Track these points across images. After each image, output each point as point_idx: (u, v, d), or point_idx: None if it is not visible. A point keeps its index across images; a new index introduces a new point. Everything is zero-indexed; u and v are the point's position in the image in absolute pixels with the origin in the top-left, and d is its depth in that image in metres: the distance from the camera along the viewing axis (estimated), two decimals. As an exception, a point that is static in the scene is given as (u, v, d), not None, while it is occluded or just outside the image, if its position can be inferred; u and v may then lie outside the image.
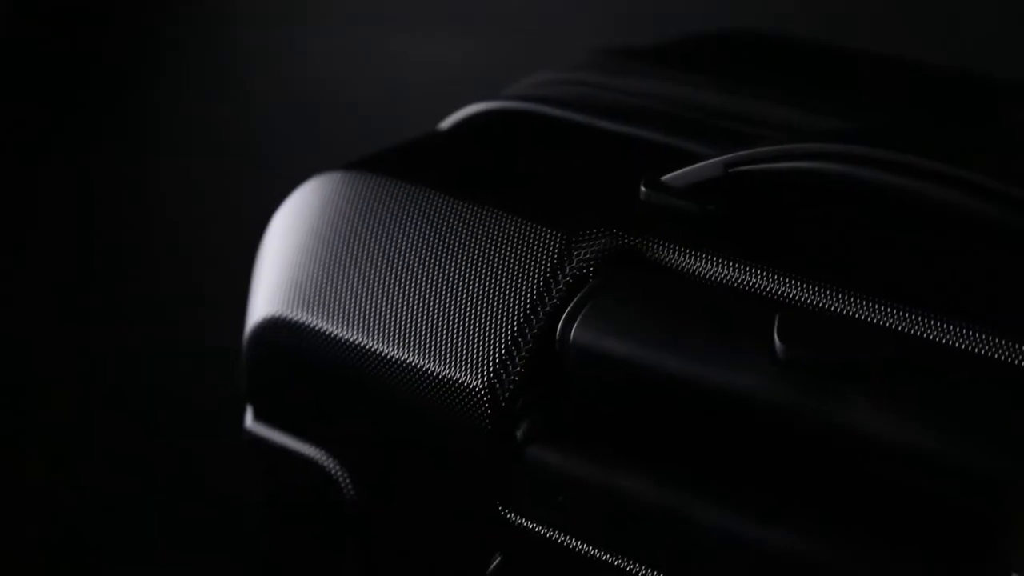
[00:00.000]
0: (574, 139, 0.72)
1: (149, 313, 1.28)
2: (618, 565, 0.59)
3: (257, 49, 1.34)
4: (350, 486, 0.69)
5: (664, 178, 0.64)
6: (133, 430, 1.22)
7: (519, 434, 0.61)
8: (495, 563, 0.64)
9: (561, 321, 0.60)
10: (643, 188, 0.64)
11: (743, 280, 0.60)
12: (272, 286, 0.70)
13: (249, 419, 0.72)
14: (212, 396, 1.19)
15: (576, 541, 0.60)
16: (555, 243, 0.62)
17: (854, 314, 0.57)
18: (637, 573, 0.58)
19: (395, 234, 0.66)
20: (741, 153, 0.62)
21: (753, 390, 0.54)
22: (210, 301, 1.25)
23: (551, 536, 0.61)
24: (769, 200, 0.63)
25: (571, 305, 0.60)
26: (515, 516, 0.62)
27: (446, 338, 0.63)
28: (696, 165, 0.63)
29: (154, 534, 1.16)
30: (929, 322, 0.55)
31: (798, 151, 0.61)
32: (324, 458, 0.69)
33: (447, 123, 0.78)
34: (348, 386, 0.67)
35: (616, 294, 0.59)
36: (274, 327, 0.69)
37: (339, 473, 0.69)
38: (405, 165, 0.70)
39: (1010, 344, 0.53)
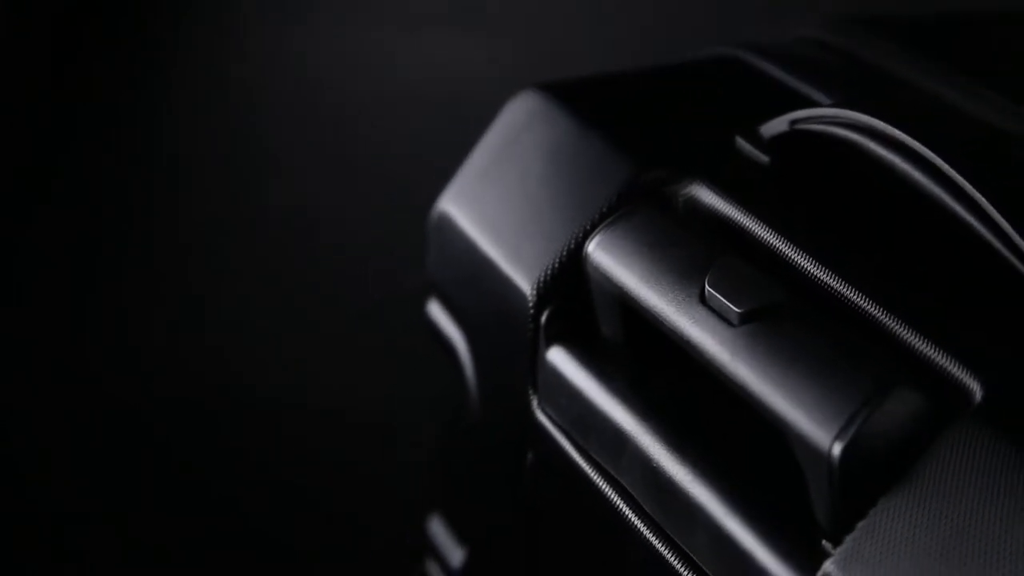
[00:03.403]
0: (752, 89, 0.75)
1: (149, 313, 1.30)
2: (580, 467, 0.63)
3: (259, 49, 1.33)
4: (472, 372, 0.76)
5: (758, 129, 0.67)
6: (132, 430, 1.25)
7: (546, 337, 0.66)
8: (528, 460, 0.69)
9: (588, 240, 0.64)
10: (737, 137, 0.67)
11: (744, 228, 0.61)
12: (451, 183, 0.77)
13: (428, 302, 0.80)
14: (211, 396, 1.24)
15: (566, 441, 0.65)
16: (624, 172, 0.66)
17: (814, 277, 0.58)
18: (593, 480, 0.63)
19: (526, 146, 0.72)
20: (804, 112, 0.64)
21: (680, 329, 0.57)
22: (211, 301, 1.30)
23: (557, 437, 0.66)
24: (824, 159, 0.64)
25: (600, 227, 0.64)
26: (541, 416, 0.67)
27: (524, 246, 0.68)
28: (774, 120, 0.65)
29: (154, 534, 1.20)
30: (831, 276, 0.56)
31: (852, 119, 0.62)
32: (463, 344, 0.76)
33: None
34: (467, 278, 0.73)
35: (632, 223, 0.63)
36: (437, 216, 0.76)
37: (468, 356, 0.76)
38: (580, 91, 0.75)
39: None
